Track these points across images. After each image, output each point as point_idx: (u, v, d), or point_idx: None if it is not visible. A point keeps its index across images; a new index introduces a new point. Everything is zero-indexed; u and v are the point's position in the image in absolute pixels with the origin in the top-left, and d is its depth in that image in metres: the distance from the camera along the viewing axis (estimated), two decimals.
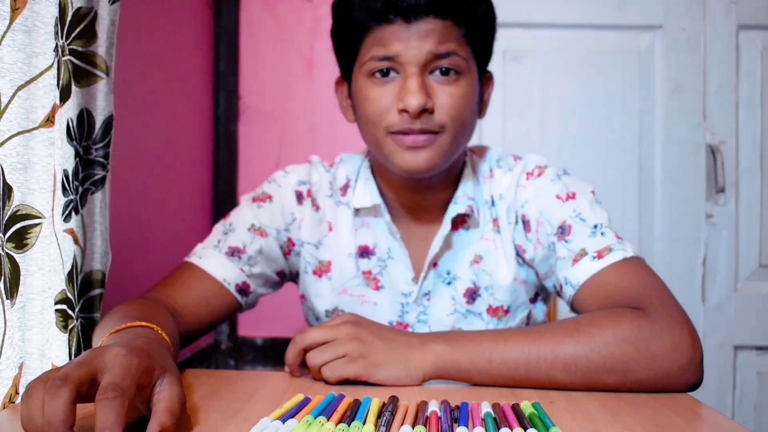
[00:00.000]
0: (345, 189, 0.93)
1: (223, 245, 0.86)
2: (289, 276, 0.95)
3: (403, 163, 0.79)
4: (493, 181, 0.90)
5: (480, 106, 0.86)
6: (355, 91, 0.83)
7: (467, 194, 0.87)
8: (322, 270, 0.91)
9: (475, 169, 0.91)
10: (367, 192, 0.89)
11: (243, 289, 0.86)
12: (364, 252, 0.90)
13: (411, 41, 0.76)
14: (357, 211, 0.91)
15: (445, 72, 0.78)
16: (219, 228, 0.89)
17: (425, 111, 0.77)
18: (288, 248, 0.92)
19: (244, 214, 0.89)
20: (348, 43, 0.83)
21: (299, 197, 0.92)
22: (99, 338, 0.65)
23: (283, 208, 0.91)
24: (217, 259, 0.84)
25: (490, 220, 0.88)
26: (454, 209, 0.86)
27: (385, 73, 0.78)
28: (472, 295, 0.87)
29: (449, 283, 0.88)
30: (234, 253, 0.86)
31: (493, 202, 0.89)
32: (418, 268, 0.88)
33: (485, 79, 0.87)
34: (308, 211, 0.92)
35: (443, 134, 0.78)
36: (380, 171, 0.89)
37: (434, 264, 0.88)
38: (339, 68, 0.88)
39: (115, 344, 0.51)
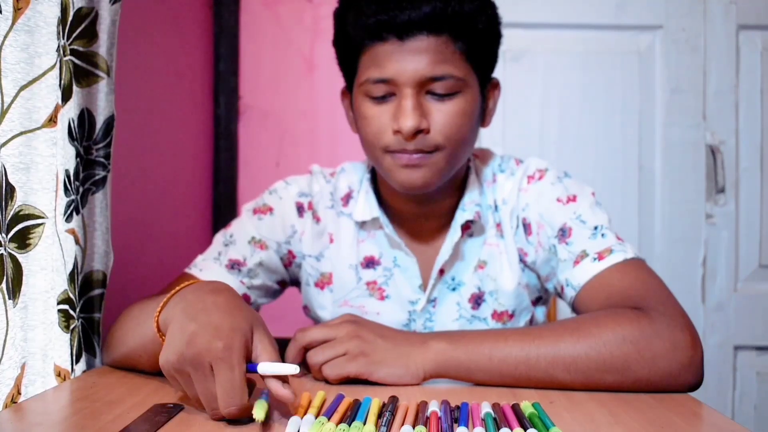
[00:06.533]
0: (347, 199, 0.92)
1: (223, 257, 0.86)
2: (290, 283, 0.95)
3: (400, 180, 0.79)
4: (496, 185, 0.89)
5: (483, 116, 0.85)
6: (355, 107, 0.83)
7: (474, 200, 0.87)
8: (324, 282, 0.91)
9: (478, 175, 0.90)
10: (367, 205, 0.89)
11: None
12: (370, 263, 0.90)
13: (405, 61, 0.75)
14: (362, 224, 0.90)
15: (441, 93, 0.77)
16: (219, 239, 0.89)
17: (420, 132, 0.76)
18: (289, 260, 0.92)
19: (244, 226, 0.89)
20: (347, 58, 0.83)
21: (300, 209, 0.92)
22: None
23: (284, 221, 0.91)
24: (217, 272, 0.84)
25: (493, 225, 0.88)
26: (462, 216, 0.86)
27: (381, 97, 0.78)
28: (477, 300, 0.87)
29: (454, 289, 0.88)
30: (234, 266, 0.86)
31: (496, 207, 0.89)
32: (425, 275, 0.88)
33: (490, 86, 0.85)
34: (309, 224, 0.92)
35: (438, 152, 0.78)
36: (383, 181, 0.89)
37: (441, 271, 0.87)
38: (343, 79, 0.88)
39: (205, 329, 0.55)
